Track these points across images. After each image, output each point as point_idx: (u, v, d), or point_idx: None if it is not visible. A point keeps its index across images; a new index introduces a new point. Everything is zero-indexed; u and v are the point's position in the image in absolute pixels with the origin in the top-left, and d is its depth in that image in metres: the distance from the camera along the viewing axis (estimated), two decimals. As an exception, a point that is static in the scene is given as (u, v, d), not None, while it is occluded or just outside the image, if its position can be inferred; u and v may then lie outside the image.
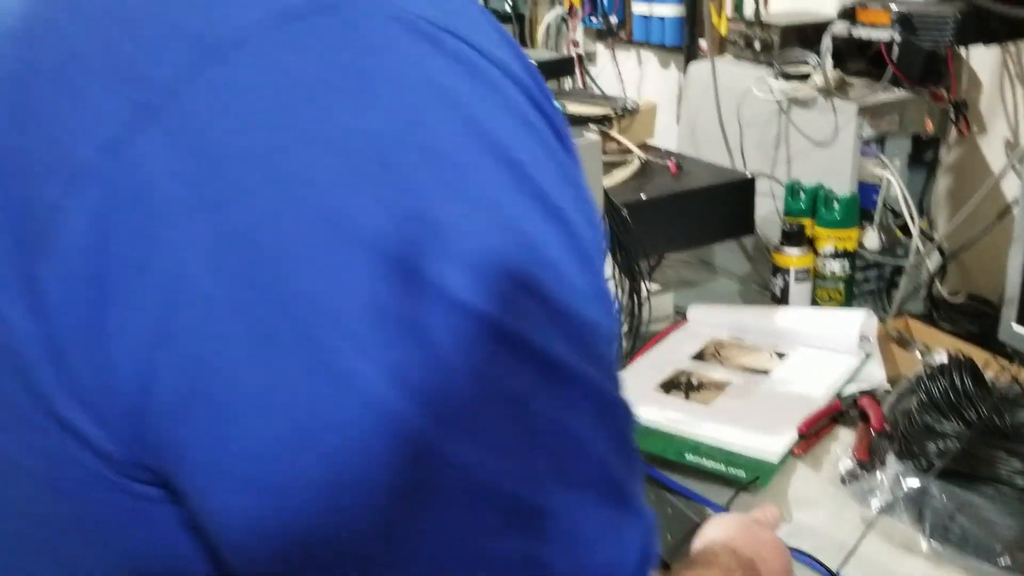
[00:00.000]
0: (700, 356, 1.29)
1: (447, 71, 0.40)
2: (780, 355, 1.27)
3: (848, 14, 1.28)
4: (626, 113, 1.58)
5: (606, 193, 1.40)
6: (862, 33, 1.27)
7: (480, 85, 0.40)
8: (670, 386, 1.22)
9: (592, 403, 0.40)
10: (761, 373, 1.23)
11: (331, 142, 0.36)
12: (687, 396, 1.19)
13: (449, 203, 0.37)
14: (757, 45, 1.59)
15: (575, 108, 1.65)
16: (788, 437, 1.06)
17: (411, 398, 0.35)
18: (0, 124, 0.40)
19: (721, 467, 1.02)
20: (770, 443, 1.05)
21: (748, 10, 1.68)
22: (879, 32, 1.25)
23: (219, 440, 0.36)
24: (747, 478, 1.00)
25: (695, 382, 1.22)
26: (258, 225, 0.35)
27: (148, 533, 0.40)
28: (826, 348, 1.26)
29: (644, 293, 1.35)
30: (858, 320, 1.26)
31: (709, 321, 1.37)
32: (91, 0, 0.42)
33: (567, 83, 2.31)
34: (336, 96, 0.37)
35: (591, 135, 1.31)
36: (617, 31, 2.18)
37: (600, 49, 2.34)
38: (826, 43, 1.33)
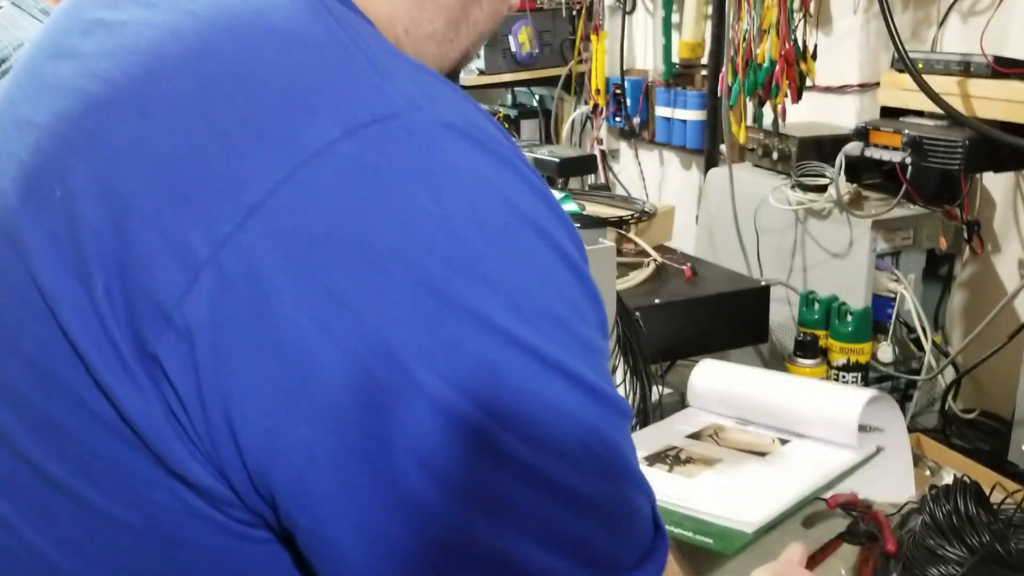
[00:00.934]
0: (696, 436, 1.22)
1: (485, 162, 0.48)
2: (783, 441, 1.18)
3: (861, 134, 1.31)
4: (644, 216, 1.60)
5: (619, 296, 1.42)
6: (875, 154, 1.30)
7: (506, 169, 0.49)
8: (655, 459, 1.14)
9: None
10: (756, 455, 1.15)
11: (408, 224, 0.44)
12: (671, 469, 1.11)
13: (505, 269, 0.46)
14: (775, 155, 1.62)
15: (594, 209, 1.68)
16: (769, 511, 0.98)
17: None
18: (103, 230, 0.46)
19: (688, 535, 0.95)
20: (747, 513, 0.98)
21: (767, 119, 1.71)
22: (891, 153, 1.27)
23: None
24: (716, 547, 0.93)
25: (683, 457, 1.14)
26: (357, 291, 0.43)
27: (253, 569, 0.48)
28: (827, 438, 1.14)
29: (655, 397, 1.36)
30: (861, 401, 1.12)
31: (710, 401, 1.28)
32: (173, 100, 0.48)
33: (590, 178, 2.36)
34: (406, 187, 0.45)
35: (606, 242, 1.33)
36: (640, 132, 2.23)
37: (623, 147, 2.39)
38: (840, 160, 1.36)
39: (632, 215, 1.59)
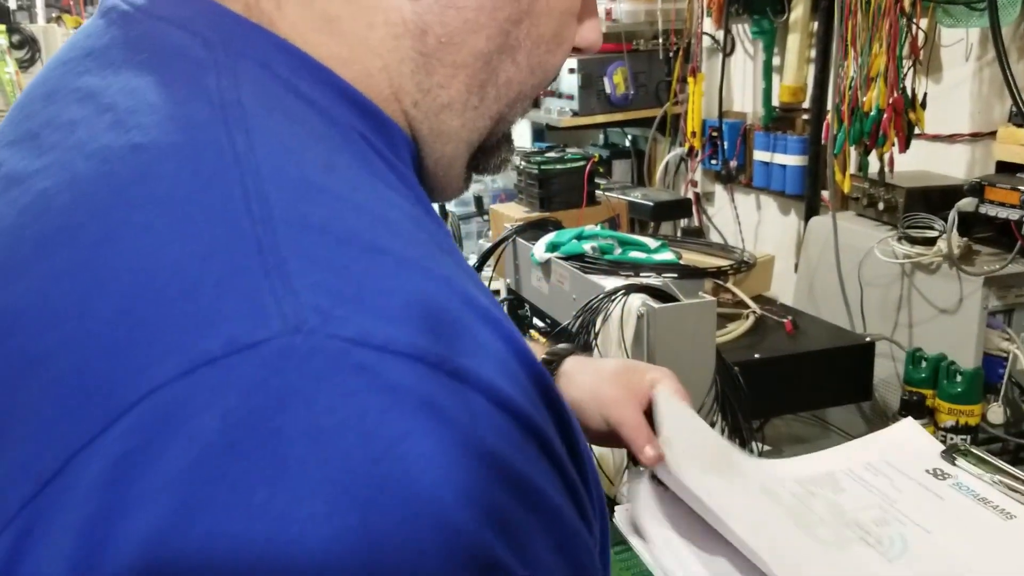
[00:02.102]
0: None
1: (399, 417, 0.35)
2: None
3: (976, 190, 1.26)
4: (744, 266, 1.57)
5: (718, 351, 1.39)
6: (990, 211, 1.25)
7: (441, 426, 0.35)
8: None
9: None
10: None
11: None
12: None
13: None
14: (881, 205, 1.58)
15: (691, 257, 1.66)
16: None
17: None
18: None
19: None
20: None
21: (872, 168, 1.66)
22: (1008, 211, 1.23)
23: None
24: None
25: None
26: None
27: None
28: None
29: (754, 455, 1.32)
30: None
31: None
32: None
33: (682, 221, 2.33)
34: (237, 478, 0.34)
35: (706, 296, 1.31)
36: (736, 176, 2.19)
37: (718, 190, 2.35)
38: (953, 216, 1.31)
39: (731, 265, 1.56)
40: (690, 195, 2.36)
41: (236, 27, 0.47)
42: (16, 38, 4.28)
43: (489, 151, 0.58)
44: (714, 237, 2.32)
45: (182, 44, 0.46)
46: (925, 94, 1.55)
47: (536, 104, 2.65)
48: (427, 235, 0.44)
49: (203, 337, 0.34)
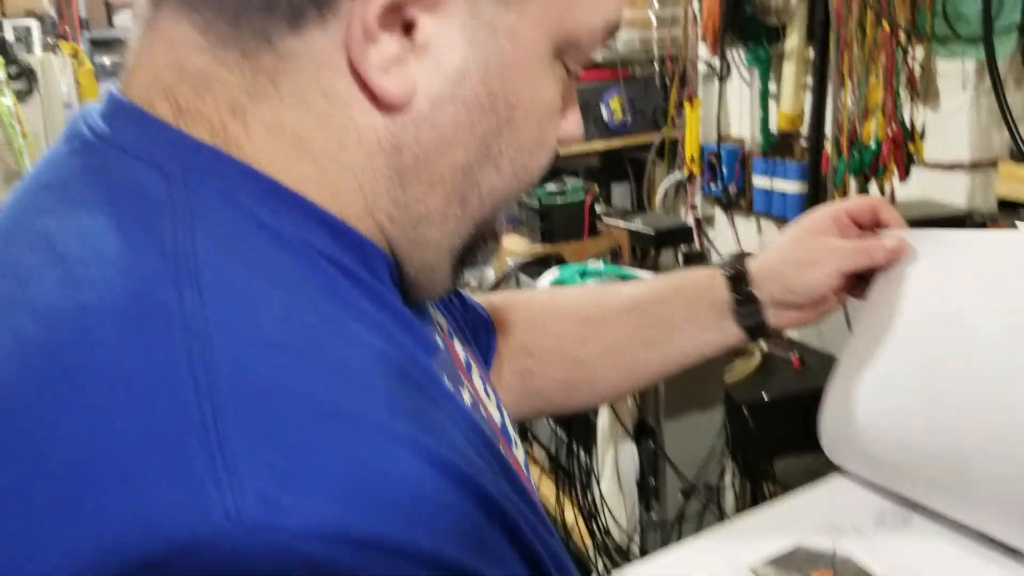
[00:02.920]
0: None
1: None
2: None
3: (978, 227, 1.27)
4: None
5: (727, 392, 1.39)
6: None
7: None
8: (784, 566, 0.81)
9: None
10: None
11: None
12: None
13: None
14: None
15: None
16: None
17: None
18: None
19: None
20: None
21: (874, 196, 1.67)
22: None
23: None
24: None
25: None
26: None
27: None
28: None
29: (766, 496, 1.33)
30: None
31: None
32: None
33: (683, 247, 2.33)
34: None
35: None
36: (737, 201, 2.20)
37: (718, 214, 2.36)
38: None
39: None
40: (690, 219, 2.37)
41: (197, 155, 0.47)
42: (13, 69, 4.29)
43: (475, 248, 0.58)
44: (716, 261, 2.33)
45: (140, 180, 0.46)
46: (924, 125, 1.56)
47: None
48: (393, 372, 0.43)
49: (144, 536, 0.33)
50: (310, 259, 0.46)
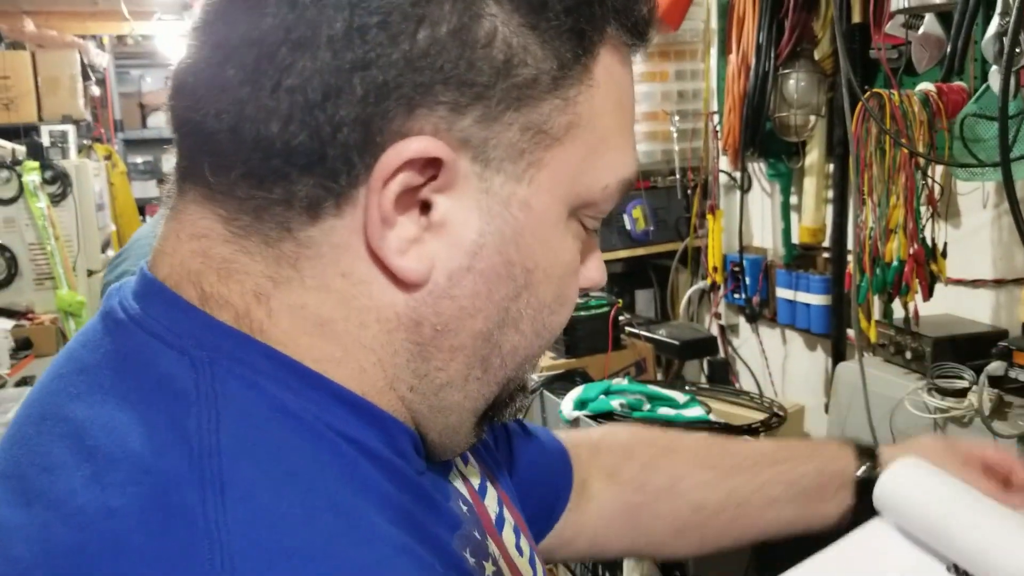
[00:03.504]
0: None
1: None
2: None
3: (1004, 355, 1.27)
4: (775, 420, 1.57)
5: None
6: (1020, 375, 1.25)
7: None
8: None
9: None
10: None
11: None
12: None
13: None
14: (908, 354, 1.58)
15: (720, 408, 1.66)
16: None
17: None
18: None
19: None
20: None
21: (898, 312, 1.67)
22: (1039, 379, 1.23)
23: None
24: None
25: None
26: None
27: None
28: None
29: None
30: None
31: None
32: None
33: (707, 357, 2.33)
34: None
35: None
36: (760, 311, 2.20)
37: (742, 322, 2.36)
38: (983, 381, 1.31)
39: (762, 422, 1.56)
40: (715, 328, 2.37)
41: (225, 340, 0.48)
42: (49, 174, 4.41)
43: (501, 405, 0.58)
44: (741, 370, 2.32)
45: (169, 369, 0.47)
46: (945, 244, 1.57)
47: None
48: (415, 567, 0.45)
49: None
50: (331, 443, 0.48)
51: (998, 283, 1.59)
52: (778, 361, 2.21)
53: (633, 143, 0.57)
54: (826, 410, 1.87)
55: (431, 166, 0.48)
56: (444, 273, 0.50)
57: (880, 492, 0.86)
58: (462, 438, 0.58)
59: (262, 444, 0.45)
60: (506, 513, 0.70)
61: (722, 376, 2.20)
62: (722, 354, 2.33)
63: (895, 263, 1.58)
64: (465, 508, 0.61)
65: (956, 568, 0.80)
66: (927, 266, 1.55)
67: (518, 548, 0.68)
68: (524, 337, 0.54)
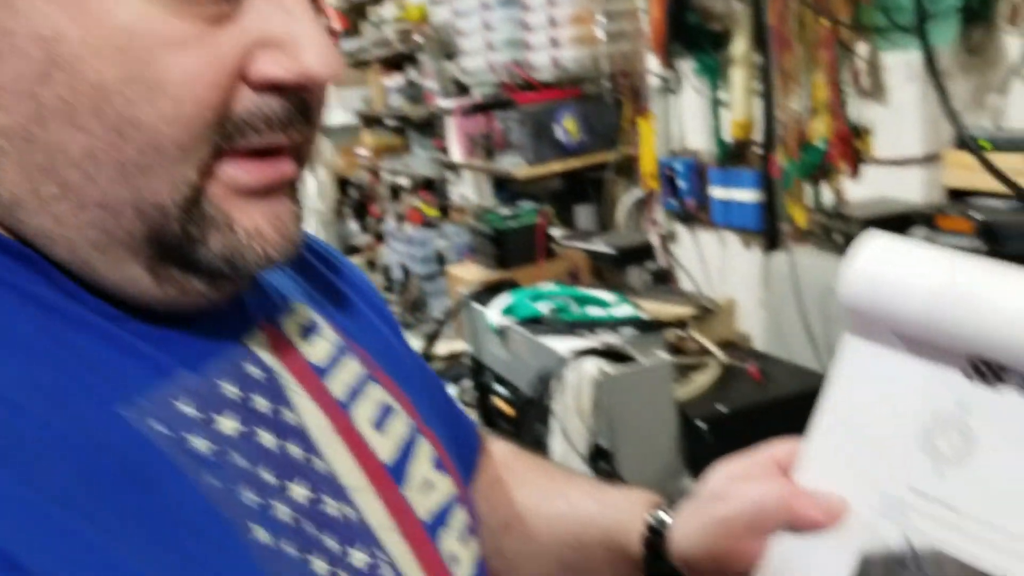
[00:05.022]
0: None
1: None
2: None
3: (927, 219, 1.22)
4: (704, 313, 1.52)
5: (682, 408, 1.34)
6: (943, 241, 1.20)
7: None
8: None
9: None
10: None
11: None
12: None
13: None
14: (838, 238, 1.53)
15: (652, 307, 1.61)
16: None
17: None
18: None
19: None
20: None
21: (827, 198, 1.63)
22: (961, 240, 1.18)
23: None
24: None
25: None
26: None
27: None
28: None
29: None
30: None
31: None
32: None
33: (648, 264, 2.29)
34: None
35: (662, 355, 1.25)
36: (696, 214, 2.15)
37: (682, 229, 2.31)
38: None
39: (690, 315, 1.51)
40: (654, 236, 2.32)
41: None
42: None
43: (172, 239, 0.45)
44: (682, 277, 2.27)
45: None
46: (874, 121, 1.52)
47: (490, 155, 2.61)
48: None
49: None
50: None
51: (927, 159, 1.55)
52: (717, 263, 2.17)
53: None
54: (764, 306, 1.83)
55: None
56: None
57: (854, 282, 0.58)
58: (124, 278, 0.45)
59: None
60: (354, 363, 0.61)
61: (662, 283, 2.16)
62: (663, 261, 2.28)
63: (820, 144, 1.53)
64: (249, 367, 0.50)
65: (978, 366, 0.55)
66: (852, 145, 1.51)
67: (377, 422, 0.59)
68: (95, 136, 0.41)
